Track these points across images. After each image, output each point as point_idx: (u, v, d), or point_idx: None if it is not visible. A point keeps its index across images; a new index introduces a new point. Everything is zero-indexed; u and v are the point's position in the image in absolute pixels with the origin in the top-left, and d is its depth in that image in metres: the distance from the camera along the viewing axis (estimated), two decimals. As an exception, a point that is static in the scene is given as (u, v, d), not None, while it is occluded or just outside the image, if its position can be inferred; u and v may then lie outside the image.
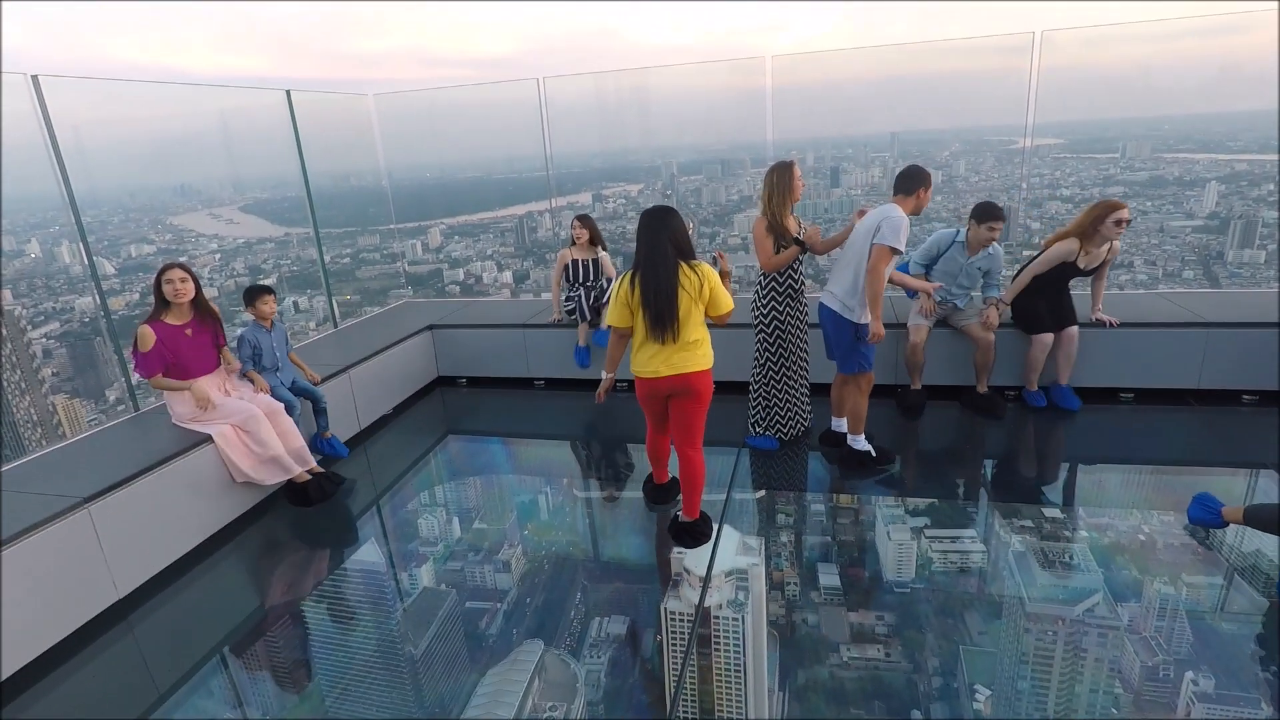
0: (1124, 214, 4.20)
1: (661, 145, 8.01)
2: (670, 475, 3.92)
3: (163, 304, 3.79)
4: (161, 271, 3.77)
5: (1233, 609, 2.87)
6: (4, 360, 6.21)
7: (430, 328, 5.81)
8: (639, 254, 3.17)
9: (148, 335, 3.70)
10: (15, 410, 6.28)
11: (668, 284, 3.10)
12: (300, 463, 4.04)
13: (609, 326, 3.35)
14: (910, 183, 3.66)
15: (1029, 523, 3.55)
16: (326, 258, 6.19)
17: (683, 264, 3.15)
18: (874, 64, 5.75)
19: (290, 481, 4.03)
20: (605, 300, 5.24)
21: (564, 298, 5.52)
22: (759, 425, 4.39)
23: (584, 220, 5.41)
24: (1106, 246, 4.38)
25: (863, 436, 4.12)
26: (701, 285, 3.16)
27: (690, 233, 3.30)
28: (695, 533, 3.48)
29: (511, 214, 9.01)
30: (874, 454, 4.10)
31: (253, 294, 4.28)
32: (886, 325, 4.37)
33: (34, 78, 3.78)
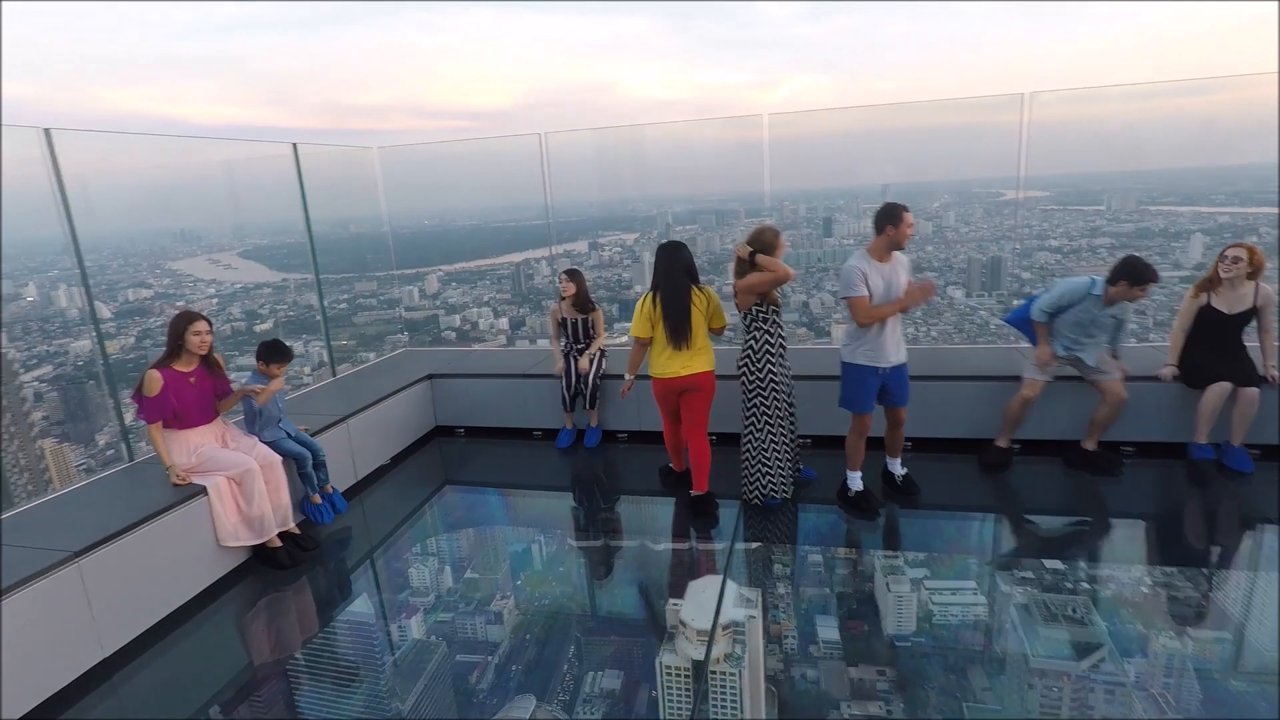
0: (1230, 251, 4.17)
1: (658, 195, 8.16)
2: (686, 465, 4.42)
3: (174, 351, 3.75)
4: (190, 320, 3.74)
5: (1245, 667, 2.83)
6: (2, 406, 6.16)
7: (430, 377, 5.79)
8: (657, 277, 3.98)
9: (155, 380, 3.65)
10: (3, 455, 6.20)
11: (683, 302, 3.93)
12: (281, 522, 3.95)
13: (633, 338, 4.10)
14: (880, 221, 3.79)
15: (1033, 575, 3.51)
16: (324, 302, 6.21)
17: (693, 286, 3.97)
18: (866, 119, 5.91)
19: (263, 545, 3.91)
20: (590, 384, 5.22)
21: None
22: (750, 487, 4.23)
23: (572, 275, 5.25)
24: (1251, 289, 4.21)
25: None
26: (707, 303, 4.03)
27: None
28: (708, 506, 4.22)
29: (509, 260, 9.10)
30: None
31: (273, 354, 4.14)
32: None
33: (46, 131, 3.85)
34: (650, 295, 4.01)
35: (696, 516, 4.24)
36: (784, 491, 4.22)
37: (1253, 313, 4.24)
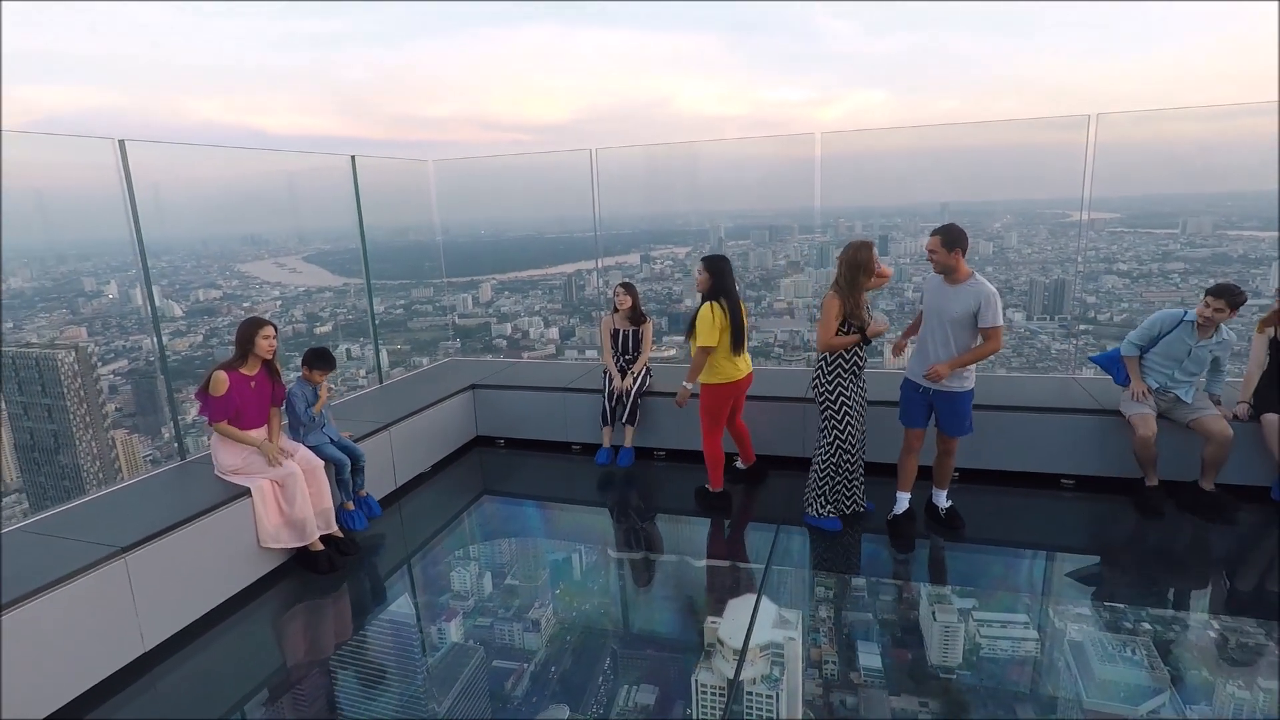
0: None
1: (709, 209, 8.15)
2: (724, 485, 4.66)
3: (243, 354, 3.88)
4: (259, 325, 3.86)
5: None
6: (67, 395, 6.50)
7: (472, 387, 5.86)
8: (717, 287, 4.23)
9: (222, 381, 3.77)
10: (78, 444, 6.53)
11: (740, 311, 4.30)
12: (324, 526, 4.02)
13: (704, 347, 4.21)
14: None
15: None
16: (381, 308, 6.39)
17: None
18: (926, 137, 5.80)
19: (305, 548, 3.98)
20: (633, 398, 5.22)
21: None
22: (821, 505, 4.17)
23: (628, 288, 5.33)
24: None
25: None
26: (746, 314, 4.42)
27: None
28: (759, 473, 4.87)
29: (560, 272, 9.20)
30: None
31: (317, 360, 4.27)
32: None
33: (120, 142, 4.06)
34: (714, 305, 4.19)
35: (759, 480, 4.87)
36: (854, 507, 4.22)
37: None
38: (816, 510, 4.18)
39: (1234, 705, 2.72)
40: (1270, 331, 4.16)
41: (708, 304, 4.21)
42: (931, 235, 3.75)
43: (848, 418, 4.00)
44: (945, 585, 3.71)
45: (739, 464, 4.96)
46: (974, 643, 3.13)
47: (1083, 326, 6.73)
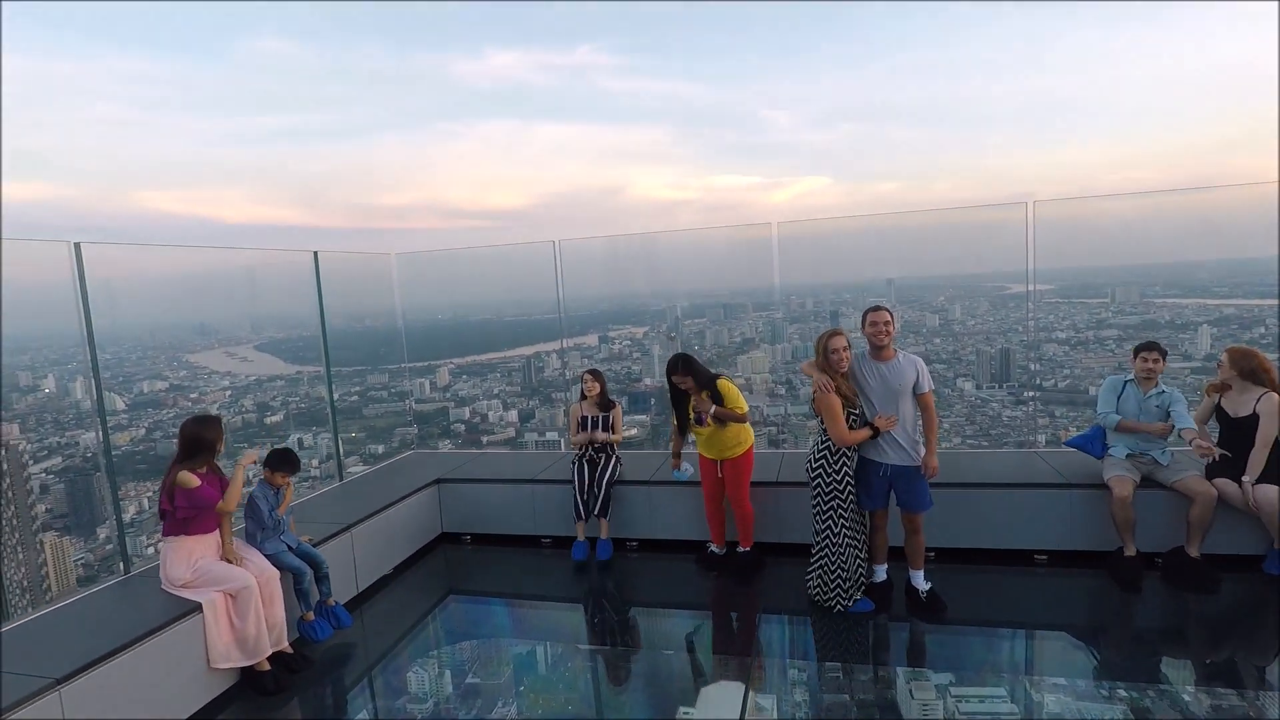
0: (1223, 355, 4.23)
1: (666, 290, 8.33)
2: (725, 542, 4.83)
3: (189, 453, 3.63)
4: (213, 422, 3.71)
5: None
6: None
7: (438, 481, 5.63)
8: (707, 378, 4.54)
9: (191, 476, 3.55)
10: (3, 549, 6.11)
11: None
12: (276, 642, 3.72)
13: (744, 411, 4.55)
14: None
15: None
16: (335, 395, 6.25)
17: None
18: (873, 221, 6.12)
19: (251, 667, 3.65)
20: (605, 489, 5.10)
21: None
22: (848, 591, 3.99)
23: (595, 375, 5.31)
24: (1254, 397, 4.05)
25: None
26: None
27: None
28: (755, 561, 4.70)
29: (519, 354, 9.20)
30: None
31: (280, 462, 4.07)
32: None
33: (76, 245, 3.99)
34: (725, 381, 4.60)
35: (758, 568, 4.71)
36: (857, 594, 4.00)
37: (1254, 419, 4.02)
38: (845, 598, 3.98)
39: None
40: (1216, 396, 4.28)
41: (723, 381, 4.56)
42: (880, 309, 3.87)
43: (851, 498, 3.93)
44: (924, 668, 3.64)
45: (714, 548, 4.86)
46: (954, 721, 3.06)
47: (1029, 393, 6.96)
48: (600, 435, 5.20)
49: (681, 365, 4.50)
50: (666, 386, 4.69)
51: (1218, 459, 4.07)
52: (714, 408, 4.49)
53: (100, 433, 4.20)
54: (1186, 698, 3.19)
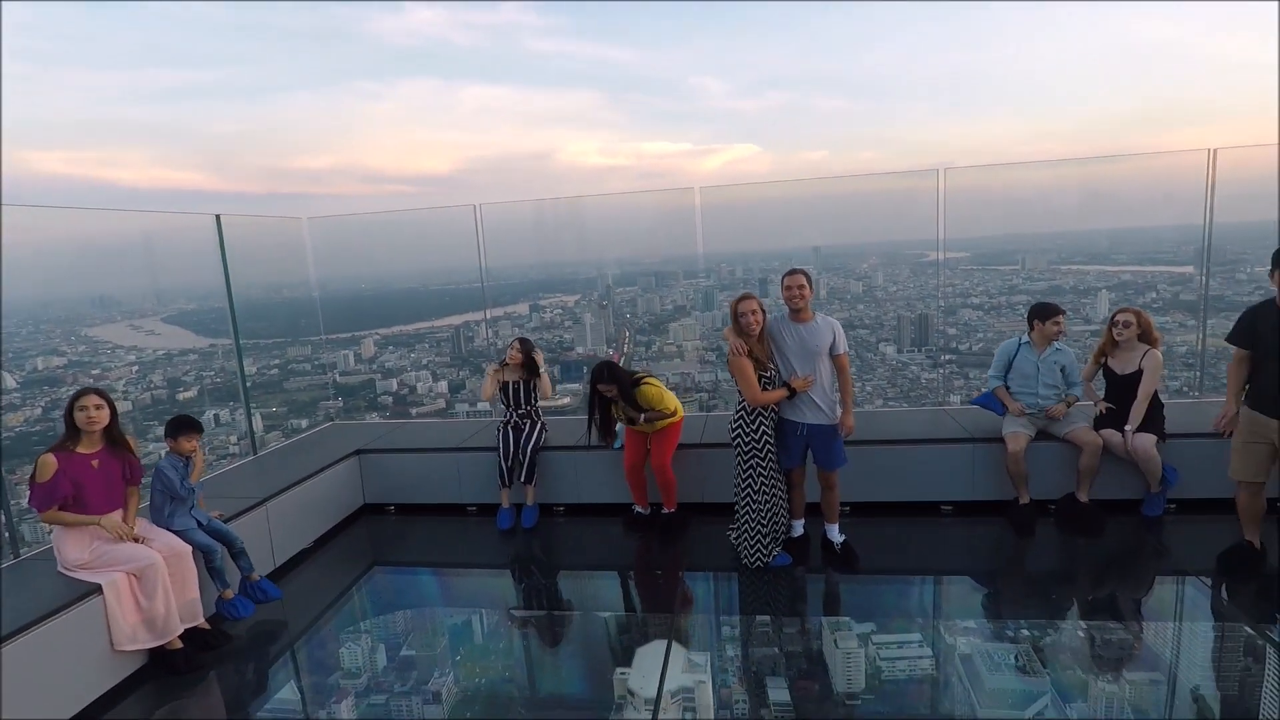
0: (1120, 316, 4.43)
1: (597, 258, 8.27)
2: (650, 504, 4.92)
3: (73, 431, 3.45)
4: (76, 397, 3.45)
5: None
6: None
7: (358, 452, 5.51)
8: (628, 385, 4.56)
9: (48, 464, 3.33)
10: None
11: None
12: (188, 619, 3.58)
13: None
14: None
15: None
16: (254, 369, 5.99)
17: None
18: (796, 189, 6.21)
19: (161, 647, 3.49)
20: (530, 455, 5.11)
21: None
22: (768, 547, 4.14)
23: (523, 342, 5.25)
24: (1140, 354, 4.39)
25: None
26: None
27: (625, 343, 3.70)
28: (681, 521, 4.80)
29: (448, 324, 8.99)
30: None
31: (179, 427, 3.88)
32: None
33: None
34: (650, 380, 4.73)
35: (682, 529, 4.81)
36: (776, 549, 4.16)
37: (1139, 375, 4.41)
38: (766, 554, 4.13)
39: (1105, 699, 2.95)
40: (1103, 360, 4.63)
41: (647, 386, 4.62)
42: (795, 273, 3.94)
43: (770, 456, 4.05)
44: (843, 616, 3.84)
45: (639, 509, 4.96)
46: (875, 666, 3.23)
47: (946, 356, 7.28)
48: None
49: (607, 374, 4.55)
50: (589, 391, 4.70)
51: (1104, 412, 4.54)
52: (642, 415, 4.59)
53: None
54: (1081, 633, 3.47)
